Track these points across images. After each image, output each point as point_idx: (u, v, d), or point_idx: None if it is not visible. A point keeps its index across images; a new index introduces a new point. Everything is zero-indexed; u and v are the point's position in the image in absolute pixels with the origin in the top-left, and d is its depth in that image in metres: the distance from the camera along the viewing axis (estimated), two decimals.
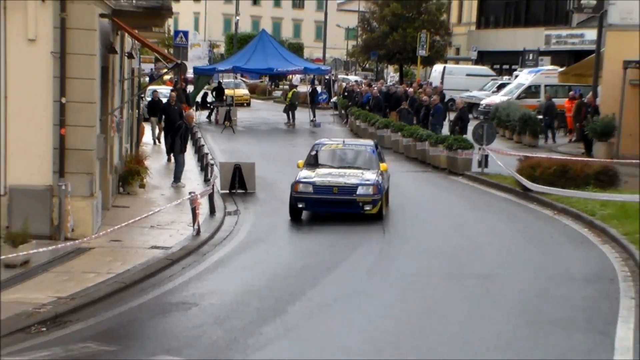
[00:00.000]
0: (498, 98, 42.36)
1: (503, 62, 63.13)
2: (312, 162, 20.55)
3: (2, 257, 13.78)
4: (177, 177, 23.50)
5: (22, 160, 16.08)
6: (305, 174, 19.64)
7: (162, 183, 23.56)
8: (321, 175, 19.43)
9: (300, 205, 19.20)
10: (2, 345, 10.81)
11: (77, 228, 16.11)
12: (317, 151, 20.92)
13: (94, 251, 15.56)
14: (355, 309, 12.98)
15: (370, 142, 22.01)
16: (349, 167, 20.05)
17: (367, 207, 18.95)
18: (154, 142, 31.93)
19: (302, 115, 43.15)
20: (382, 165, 20.30)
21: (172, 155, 25.24)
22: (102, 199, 17.91)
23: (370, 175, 19.45)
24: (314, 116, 42.87)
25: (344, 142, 21.59)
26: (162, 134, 29.62)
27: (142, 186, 22.24)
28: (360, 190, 18.99)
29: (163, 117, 28.09)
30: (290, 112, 42.22)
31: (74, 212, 16.11)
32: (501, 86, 46.94)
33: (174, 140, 24.31)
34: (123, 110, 22.79)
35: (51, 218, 16.04)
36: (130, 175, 21.88)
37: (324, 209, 19.48)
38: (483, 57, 63.27)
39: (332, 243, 17.51)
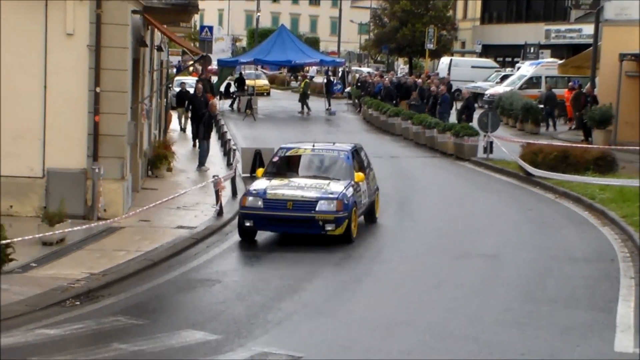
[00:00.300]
0: (501, 88, 42.02)
1: (506, 55, 62.64)
2: (273, 169, 16.09)
3: (40, 235, 13.69)
4: (202, 161, 23.37)
5: (59, 145, 16.05)
6: (258, 184, 15.42)
7: (187, 167, 23.44)
8: (275, 187, 15.08)
9: (247, 224, 14.88)
10: (39, 318, 10.71)
11: (109, 208, 16.00)
12: (279, 157, 16.35)
13: (125, 230, 15.42)
14: (368, 287, 12.80)
15: (348, 146, 16.86)
16: (315, 177, 15.60)
17: (329, 227, 14.56)
18: (181, 129, 31.80)
19: (319, 104, 42.94)
20: (358, 175, 15.66)
21: (197, 141, 25.13)
22: (132, 182, 17.80)
23: (337, 188, 15.02)
24: (330, 105, 42.72)
25: (313, 145, 16.57)
26: (189, 122, 29.50)
27: (169, 170, 22.15)
28: (320, 206, 14.61)
29: (190, 106, 27.96)
30: (303, 101, 42.05)
31: (106, 194, 16.02)
32: (504, 77, 46.53)
33: (199, 127, 24.29)
34: (152, 99, 22.67)
35: (85, 199, 15.95)
36: (158, 159, 21.80)
37: (276, 229, 15.17)
38: (487, 51, 62.80)
39: None
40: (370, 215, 16.85)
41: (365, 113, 39.48)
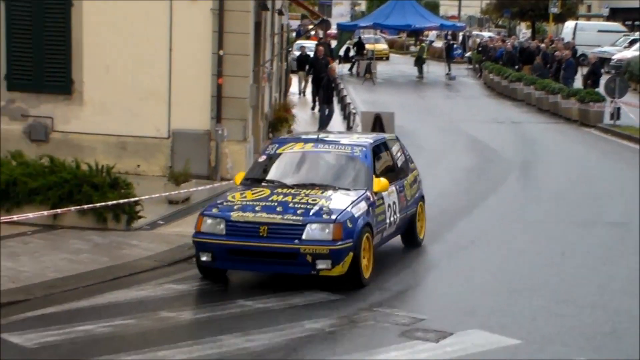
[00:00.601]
0: (630, 53, 40.61)
1: (635, 19, 60.36)
2: (257, 174, 11.47)
3: (166, 193, 14.09)
4: (323, 124, 23.53)
5: (184, 107, 16.39)
6: (225, 197, 10.84)
7: (308, 130, 23.59)
8: (247, 203, 10.43)
9: (204, 258, 10.34)
10: (168, 273, 11.03)
11: (232, 169, 16.30)
12: (267, 155, 11.66)
13: None
14: (489, 252, 12.65)
15: (367, 139, 11.95)
16: (313, 186, 10.86)
17: (322, 265, 9.96)
18: (300, 93, 32.09)
19: (439, 68, 42.59)
20: (379, 183, 11.00)
21: (317, 104, 25.35)
22: (254, 143, 18.07)
23: (338, 203, 10.40)
24: (450, 69, 42.36)
25: (317, 138, 11.91)
26: (310, 85, 29.76)
27: (290, 132, 22.36)
28: (309, 232, 10.01)
29: (311, 70, 28.19)
30: (418, 66, 41.86)
31: (229, 155, 16.31)
32: (633, 42, 44.91)
33: (319, 90, 24.51)
34: (273, 63, 22.89)
35: (209, 160, 16.29)
36: (279, 122, 22.08)
37: (243, 266, 10.50)
38: (615, 14, 60.70)
39: (467, 190, 17.15)
40: (409, 235, 12.39)
41: (486, 78, 38.91)
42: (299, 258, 10.00)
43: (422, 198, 12.88)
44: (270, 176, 11.32)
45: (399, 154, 12.50)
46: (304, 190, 10.69)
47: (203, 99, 16.41)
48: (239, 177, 11.48)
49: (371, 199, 10.82)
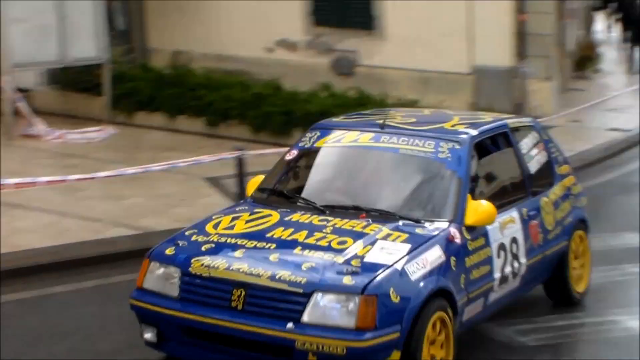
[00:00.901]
0: None
1: None
2: (278, 183, 6.79)
3: None
4: (634, 66, 22.45)
5: (486, 43, 16.19)
6: (202, 227, 6.19)
7: (615, 70, 22.66)
8: (230, 237, 5.92)
9: (147, 335, 5.87)
10: None
11: (538, 108, 15.97)
12: (300, 151, 6.89)
13: (556, 130, 15.22)
14: None
15: (472, 128, 6.61)
16: (357, 211, 6.10)
17: None
18: (606, 31, 30.68)
19: None
20: (477, 209, 6.02)
21: (625, 44, 24.23)
22: (559, 81, 17.56)
23: (388, 250, 5.55)
24: None
25: (382, 126, 6.67)
26: (616, 23, 28.35)
27: (596, 72, 21.61)
28: (317, 308, 5.28)
29: (619, 7, 26.85)
30: None
31: (534, 93, 15.96)
32: None
33: (628, 29, 23.46)
34: None
35: (512, 97, 16.00)
36: (583, 61, 21.36)
37: (205, 355, 5.65)
38: None
39: None
40: (554, 285, 7.39)
41: None
42: (295, 356, 5.35)
43: (581, 223, 7.62)
44: (295, 188, 6.70)
45: (533, 151, 7.26)
46: (336, 220, 6.02)
47: (505, 36, 16.13)
48: (253, 183, 6.87)
49: (457, 241, 5.96)
